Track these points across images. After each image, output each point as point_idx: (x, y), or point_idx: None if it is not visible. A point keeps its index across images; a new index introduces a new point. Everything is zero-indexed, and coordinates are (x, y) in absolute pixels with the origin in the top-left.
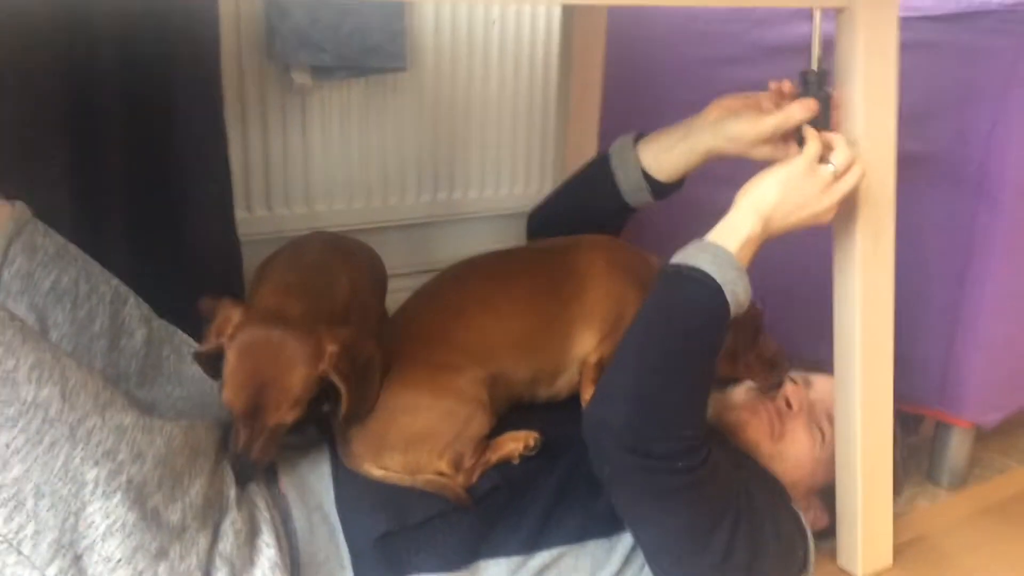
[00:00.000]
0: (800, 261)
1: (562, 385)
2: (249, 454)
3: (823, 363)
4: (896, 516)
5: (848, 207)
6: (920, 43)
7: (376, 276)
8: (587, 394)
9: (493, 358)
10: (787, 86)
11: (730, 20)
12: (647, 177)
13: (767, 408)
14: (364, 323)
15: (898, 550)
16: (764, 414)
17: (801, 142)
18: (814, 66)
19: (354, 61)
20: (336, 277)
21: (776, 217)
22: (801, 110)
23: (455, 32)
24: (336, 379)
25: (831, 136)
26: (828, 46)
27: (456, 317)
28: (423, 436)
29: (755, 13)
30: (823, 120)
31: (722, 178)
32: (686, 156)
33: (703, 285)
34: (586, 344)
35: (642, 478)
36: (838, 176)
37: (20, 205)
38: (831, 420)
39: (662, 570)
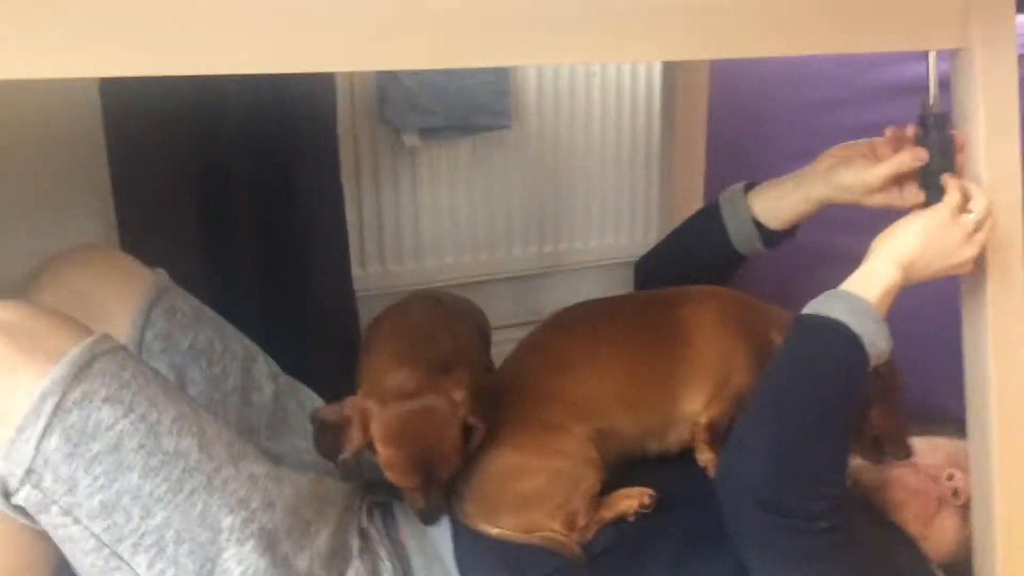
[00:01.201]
0: (929, 306)
1: (673, 441)
2: (433, 506)
3: (940, 414)
4: None
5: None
6: None
7: (478, 328)
8: (703, 455)
9: (599, 414)
10: (910, 130)
11: (841, 63)
12: (758, 226)
13: (928, 489)
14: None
15: None
16: (931, 501)
17: (924, 185)
18: (932, 109)
19: (461, 121)
20: (439, 332)
21: (916, 267)
22: (911, 158)
23: (557, 87)
24: (473, 421)
25: (968, 184)
26: (943, 86)
27: (561, 372)
28: (534, 498)
29: (868, 55)
30: (948, 164)
31: (837, 223)
32: (800, 205)
33: (841, 336)
34: (694, 403)
35: (781, 537)
36: (978, 226)
37: (161, 272)
38: None
39: None
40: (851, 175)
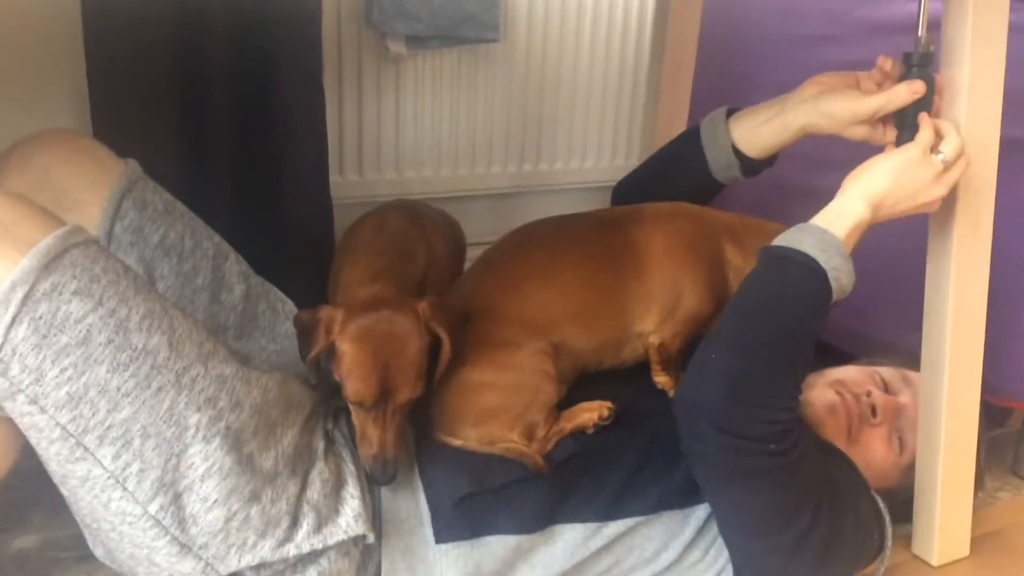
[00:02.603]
0: (894, 246)
1: (628, 355)
2: (387, 453)
3: (890, 347)
4: (976, 508)
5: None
6: None
7: (454, 243)
8: (658, 378)
9: (553, 329)
10: (890, 64)
11: None
12: (738, 153)
13: (848, 409)
14: (442, 288)
15: (976, 541)
16: (843, 417)
17: (899, 125)
18: (920, 48)
19: (448, 31)
20: (415, 246)
21: (885, 205)
22: (906, 92)
23: (549, 4)
24: (439, 331)
25: (941, 124)
26: (931, 27)
27: (515, 289)
28: (492, 411)
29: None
30: (926, 104)
31: (812, 159)
32: (780, 132)
33: (808, 270)
34: (646, 322)
35: (733, 458)
36: (948, 166)
37: (132, 163)
38: (917, 430)
39: (737, 545)
40: (840, 103)
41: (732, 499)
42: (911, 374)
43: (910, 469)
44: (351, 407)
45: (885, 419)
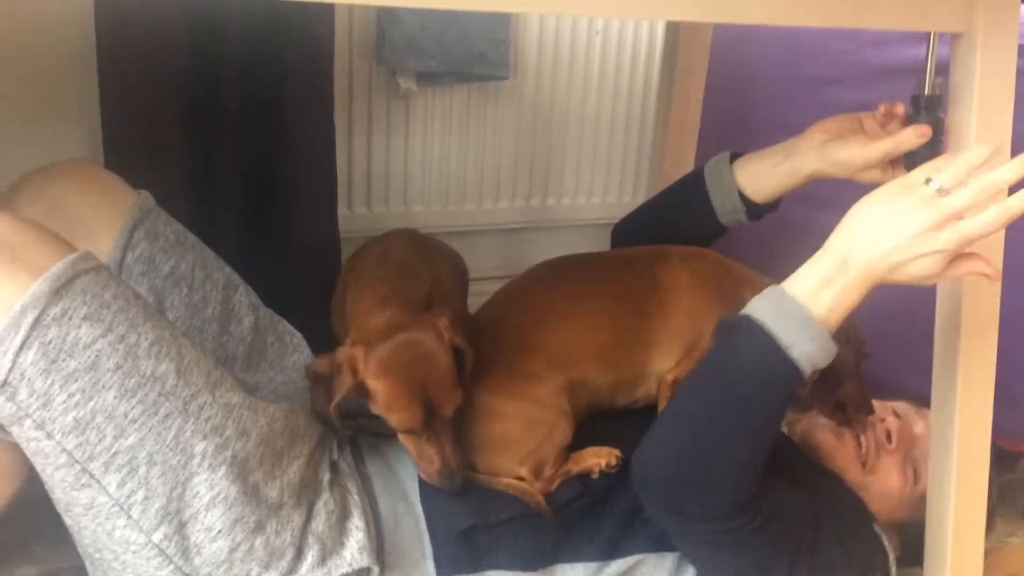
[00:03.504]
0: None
1: (641, 395)
2: (450, 465)
3: (901, 389)
4: (987, 552)
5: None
6: None
7: (458, 271)
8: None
9: (574, 365)
10: (900, 108)
11: (839, 39)
12: (743, 198)
13: (867, 436)
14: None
15: None
16: (852, 443)
17: (908, 168)
18: (927, 91)
19: (459, 68)
20: (420, 271)
21: (864, 254)
22: (914, 136)
23: (558, 42)
24: (461, 344)
25: (942, 159)
26: (941, 70)
27: (539, 323)
28: (506, 442)
29: (867, 34)
30: (934, 148)
31: (817, 198)
32: (787, 178)
33: (759, 342)
34: (665, 360)
35: (684, 534)
36: (946, 194)
37: (145, 194)
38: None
39: None
40: (849, 151)
41: (697, 563)
42: (924, 409)
43: (921, 501)
44: (400, 435)
45: (900, 445)
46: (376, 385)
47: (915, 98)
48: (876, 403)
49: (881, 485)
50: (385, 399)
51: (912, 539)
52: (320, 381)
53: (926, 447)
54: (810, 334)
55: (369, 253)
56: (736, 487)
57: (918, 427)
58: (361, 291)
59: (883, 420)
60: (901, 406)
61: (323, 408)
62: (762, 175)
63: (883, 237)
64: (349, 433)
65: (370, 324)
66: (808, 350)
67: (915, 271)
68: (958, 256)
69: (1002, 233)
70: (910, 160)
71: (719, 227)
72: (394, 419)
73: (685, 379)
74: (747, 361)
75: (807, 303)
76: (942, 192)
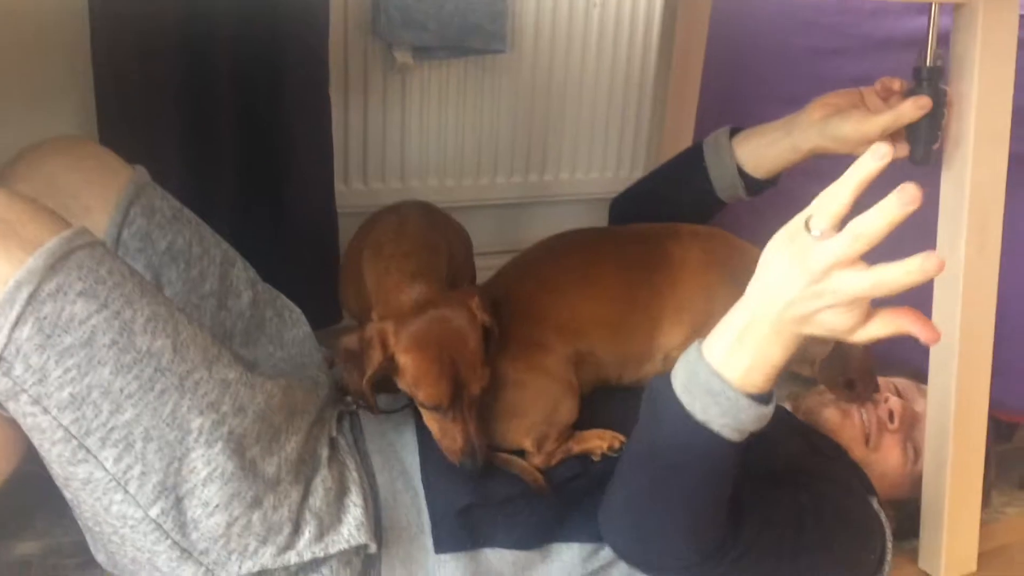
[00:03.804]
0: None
1: (648, 372)
2: (473, 444)
3: (900, 363)
4: (984, 523)
5: (955, 208)
6: None
7: (467, 246)
8: None
9: (582, 336)
10: (898, 84)
11: (840, 11)
12: (742, 173)
13: (869, 414)
14: (461, 283)
15: (983, 556)
16: (858, 420)
17: (911, 140)
18: (929, 62)
19: (455, 42)
20: (438, 241)
21: (766, 309)
22: (913, 108)
23: (556, 15)
24: (490, 323)
25: (832, 187)
26: (941, 41)
27: (549, 292)
28: (512, 411)
29: (867, 5)
30: (937, 118)
31: (816, 171)
32: (787, 154)
33: (675, 414)
34: (673, 337)
35: None
36: (824, 237)
37: (140, 169)
38: None
39: None
40: (849, 126)
41: None
42: (924, 386)
43: (919, 479)
44: (424, 412)
45: (902, 425)
46: (406, 359)
47: (916, 70)
48: (879, 380)
49: (883, 464)
50: (414, 374)
51: (908, 512)
52: (352, 358)
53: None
54: (721, 405)
55: (384, 224)
56: (697, 538)
57: (919, 405)
58: (385, 266)
59: (886, 399)
60: (903, 383)
61: (356, 385)
62: (762, 151)
63: (779, 290)
64: (385, 412)
65: (400, 300)
66: (724, 421)
67: (827, 325)
68: (888, 310)
69: (1000, 210)
70: (911, 133)
71: (718, 202)
72: (422, 394)
73: (628, 442)
74: (671, 432)
75: (721, 368)
76: (823, 235)
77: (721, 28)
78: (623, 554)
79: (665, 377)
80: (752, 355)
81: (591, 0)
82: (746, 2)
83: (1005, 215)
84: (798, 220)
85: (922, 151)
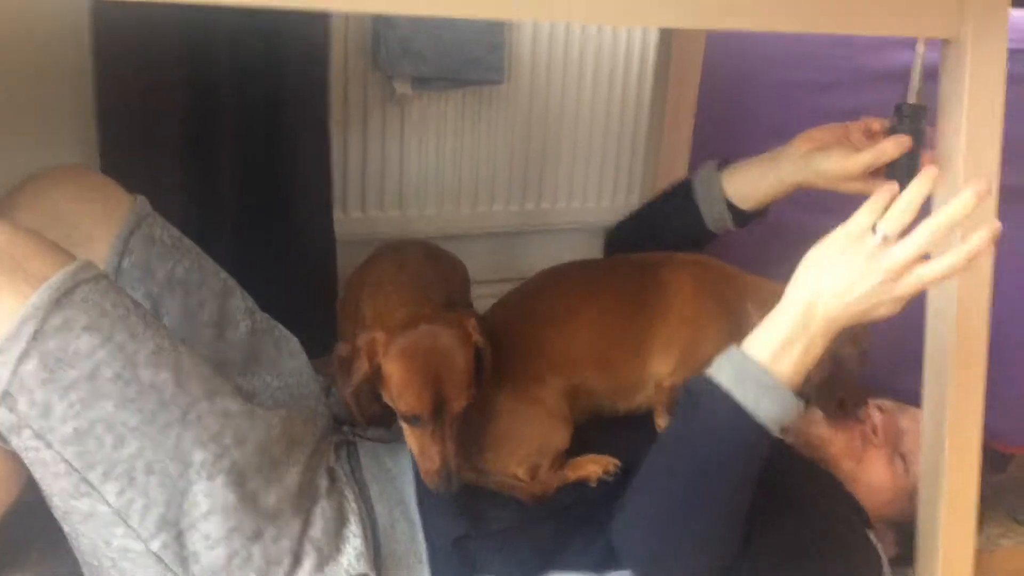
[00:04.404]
0: None
1: (642, 401)
2: (449, 466)
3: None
4: (978, 554)
5: (946, 236)
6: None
7: (466, 284)
8: (660, 420)
9: (575, 370)
10: (877, 124)
11: (834, 44)
12: (730, 205)
13: (854, 430)
14: None
15: None
16: (845, 436)
17: (891, 175)
18: (911, 99)
19: (453, 72)
20: (435, 280)
21: (827, 305)
22: (894, 146)
23: (552, 47)
24: (484, 346)
25: (887, 197)
26: (930, 76)
27: (543, 326)
28: (504, 440)
29: (861, 39)
30: (915, 157)
31: (806, 202)
32: (774, 187)
33: (722, 408)
34: (663, 366)
35: None
36: (890, 243)
37: (141, 199)
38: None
39: None
40: (831, 162)
41: None
42: (906, 406)
43: (915, 495)
44: (405, 427)
45: (887, 440)
46: (391, 368)
47: (898, 107)
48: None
49: (870, 476)
50: (398, 383)
51: (905, 536)
52: (342, 366)
53: (914, 441)
54: (772, 397)
55: (384, 261)
56: (721, 549)
57: (902, 422)
58: (385, 299)
59: (869, 416)
60: (886, 403)
61: (345, 394)
62: (749, 185)
63: (842, 293)
64: (367, 423)
65: (393, 316)
66: (772, 414)
67: (878, 315)
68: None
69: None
70: (890, 171)
71: (707, 233)
72: (402, 404)
73: (656, 446)
74: (715, 427)
75: (769, 367)
76: (888, 240)
77: (716, 60)
78: (642, 568)
79: (703, 379)
80: (798, 357)
81: (586, 33)
82: (741, 34)
83: (999, 245)
84: (857, 227)
85: (901, 188)
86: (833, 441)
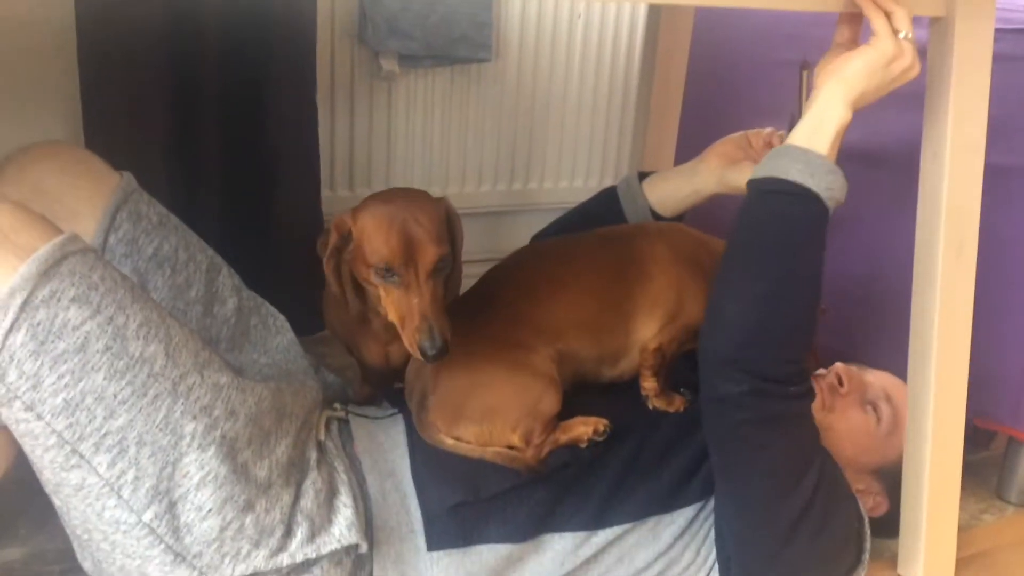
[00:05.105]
0: (878, 269)
1: (625, 367)
2: (429, 321)
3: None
4: (961, 529)
5: (932, 217)
6: (1013, 56)
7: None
8: (646, 383)
9: (561, 337)
10: (776, 138)
11: (818, 24)
12: (653, 212)
13: (820, 384)
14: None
15: (961, 563)
16: (815, 385)
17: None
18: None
19: (441, 50)
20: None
21: (865, 100)
22: None
23: (540, 25)
24: (454, 213)
25: (883, 6)
26: (920, 54)
27: (527, 297)
28: (498, 409)
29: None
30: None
31: None
32: (692, 197)
33: (801, 198)
34: (647, 330)
35: (757, 402)
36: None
37: (127, 175)
38: (888, 400)
39: (732, 532)
40: (741, 176)
41: (750, 453)
42: (867, 368)
43: (891, 441)
44: (383, 297)
45: (852, 388)
46: (361, 225)
47: (792, 118)
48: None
49: (844, 422)
50: (368, 235)
51: (893, 486)
52: (321, 249)
53: (882, 388)
54: (838, 181)
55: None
56: (806, 338)
57: (866, 376)
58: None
59: (831, 370)
60: (844, 366)
61: (335, 289)
62: (668, 194)
63: (879, 82)
64: (355, 301)
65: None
66: (837, 194)
67: (899, 84)
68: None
69: (977, 214)
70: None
71: None
72: (371, 254)
73: (728, 253)
74: (797, 217)
75: (828, 154)
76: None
77: (704, 39)
78: (733, 365)
79: (769, 178)
80: (839, 144)
81: (575, 11)
82: (728, 14)
83: (989, 225)
84: (890, 41)
85: None
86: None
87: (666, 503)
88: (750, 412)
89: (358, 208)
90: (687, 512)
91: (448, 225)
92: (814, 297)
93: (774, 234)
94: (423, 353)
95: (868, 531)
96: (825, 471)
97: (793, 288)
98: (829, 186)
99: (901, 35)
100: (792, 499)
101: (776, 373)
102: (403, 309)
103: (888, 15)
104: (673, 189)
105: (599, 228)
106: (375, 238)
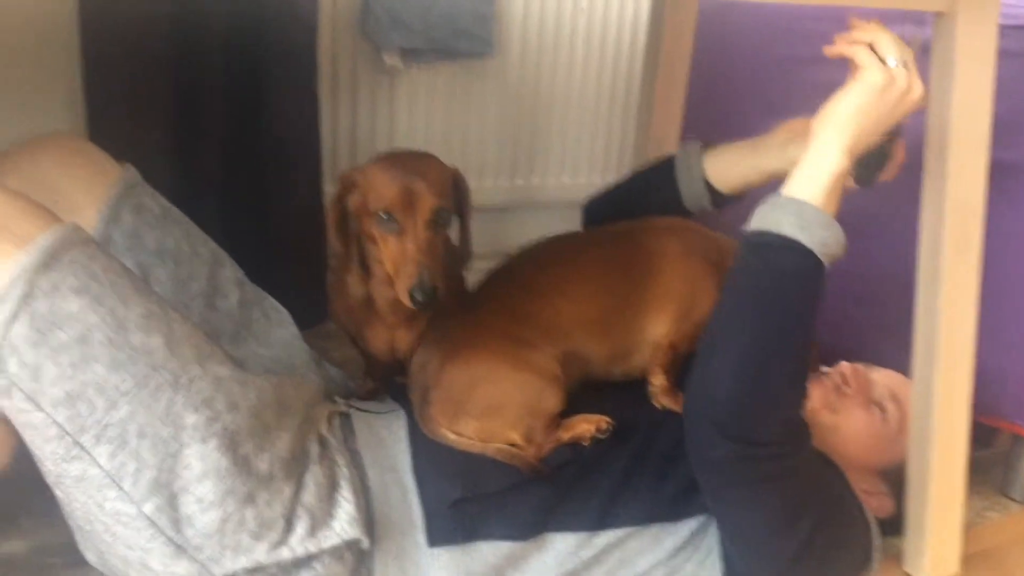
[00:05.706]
0: (882, 267)
1: (636, 364)
2: (421, 268)
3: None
4: (966, 527)
5: (936, 214)
6: (1017, 52)
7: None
8: (656, 379)
9: (568, 337)
10: None
11: (812, 19)
12: (709, 187)
13: (825, 385)
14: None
15: (966, 560)
16: (818, 391)
17: (856, 164)
18: None
19: (443, 44)
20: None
21: (862, 141)
22: None
23: (543, 19)
24: (462, 178)
25: (867, 37)
26: (925, 51)
27: (533, 296)
28: (500, 405)
29: (840, 13)
30: (885, 148)
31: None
32: (750, 174)
33: (793, 252)
34: (659, 327)
35: (748, 466)
36: (907, 65)
37: (130, 168)
38: (894, 399)
39: (738, 555)
40: (803, 153)
41: (741, 506)
42: (872, 366)
43: (897, 440)
44: (381, 245)
45: (858, 388)
46: (365, 174)
47: None
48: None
49: (849, 423)
50: (371, 180)
51: (898, 487)
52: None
53: (887, 387)
54: (833, 234)
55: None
56: (797, 396)
57: (871, 375)
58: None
59: (836, 369)
60: (849, 364)
61: (334, 235)
62: (728, 168)
63: (875, 119)
64: (353, 252)
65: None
66: (832, 248)
67: (900, 119)
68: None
69: (981, 210)
70: (861, 158)
71: (684, 211)
72: (372, 199)
73: (720, 308)
74: (788, 273)
75: (823, 206)
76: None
77: (708, 33)
78: (720, 428)
79: (765, 234)
80: (838, 194)
81: (578, 5)
82: (732, 8)
83: (993, 221)
84: (877, 71)
85: (868, 176)
86: (809, 396)
87: (670, 510)
88: (736, 477)
89: (366, 165)
90: (691, 524)
91: (455, 190)
92: (803, 355)
93: (763, 289)
94: (413, 299)
95: (877, 540)
96: (828, 499)
97: (781, 345)
98: (823, 241)
99: (891, 62)
100: (795, 536)
101: (766, 437)
102: (398, 257)
103: (872, 45)
104: (734, 162)
105: (605, 226)
106: (378, 184)
